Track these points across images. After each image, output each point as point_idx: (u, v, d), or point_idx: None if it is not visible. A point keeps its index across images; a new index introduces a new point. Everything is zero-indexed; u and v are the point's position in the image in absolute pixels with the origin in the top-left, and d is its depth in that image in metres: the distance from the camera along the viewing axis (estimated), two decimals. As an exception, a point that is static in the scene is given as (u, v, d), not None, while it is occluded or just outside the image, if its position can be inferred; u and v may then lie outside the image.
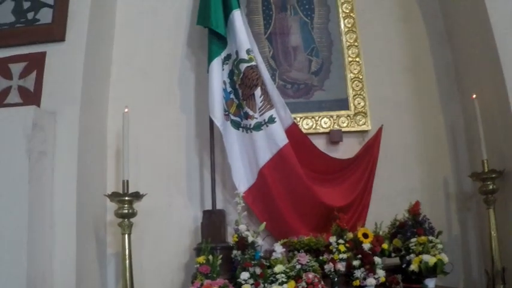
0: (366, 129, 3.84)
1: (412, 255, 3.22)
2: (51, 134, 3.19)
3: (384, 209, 3.61)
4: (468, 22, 3.84)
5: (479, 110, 3.51)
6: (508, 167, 3.38)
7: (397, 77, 4.05)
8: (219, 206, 3.61)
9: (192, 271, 3.17)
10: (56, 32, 3.40)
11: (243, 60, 3.56)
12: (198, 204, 3.75)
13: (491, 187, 3.40)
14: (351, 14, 4.05)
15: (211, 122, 3.57)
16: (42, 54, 3.36)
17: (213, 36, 3.65)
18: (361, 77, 3.92)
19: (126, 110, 3.35)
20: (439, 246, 3.23)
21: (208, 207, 3.59)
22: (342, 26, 4.03)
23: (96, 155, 3.57)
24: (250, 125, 3.51)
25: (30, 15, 3.48)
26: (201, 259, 3.02)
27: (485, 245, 3.53)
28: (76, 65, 3.35)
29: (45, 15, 3.46)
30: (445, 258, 3.18)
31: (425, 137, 3.96)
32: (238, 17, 3.64)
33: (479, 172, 3.47)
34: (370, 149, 3.67)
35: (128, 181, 3.25)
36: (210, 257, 3.03)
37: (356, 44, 3.99)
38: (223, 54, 3.67)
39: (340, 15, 4.05)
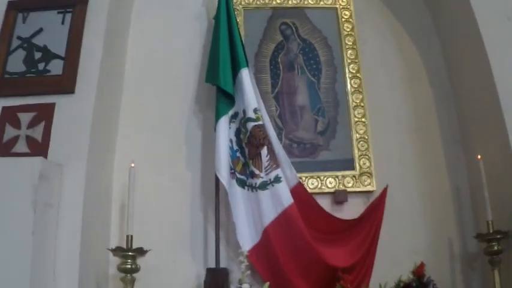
0: (371, 189, 3.83)
1: (417, 317, 3.18)
2: (57, 186, 3.16)
3: (388, 270, 3.54)
4: (473, 83, 3.88)
5: (484, 171, 3.50)
6: (514, 228, 3.37)
7: (402, 137, 4.06)
8: (222, 264, 3.56)
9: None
10: (65, 84, 3.41)
11: (250, 119, 3.59)
12: (201, 261, 3.69)
13: (496, 248, 3.37)
14: (358, 75, 4.09)
15: (217, 180, 3.57)
16: (52, 106, 3.36)
17: (221, 94, 3.68)
18: (366, 137, 3.93)
19: (132, 164, 3.36)
20: (444, 307, 3.20)
21: (212, 264, 3.54)
22: (349, 86, 4.06)
23: (101, 209, 3.55)
24: (255, 183, 3.51)
25: (41, 66, 3.50)
26: (204, 317, 2.98)
27: (491, 306, 3.48)
28: (85, 117, 3.35)
29: (56, 67, 3.48)
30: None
31: (431, 197, 3.94)
32: (246, 75, 3.69)
33: (484, 233, 3.45)
34: (375, 210, 3.63)
35: (132, 236, 3.24)
36: (213, 315, 3.00)
37: (362, 104, 4.01)
38: (231, 113, 3.69)
39: (347, 75, 4.09)
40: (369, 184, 3.84)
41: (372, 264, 3.56)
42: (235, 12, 4.03)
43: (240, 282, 3.20)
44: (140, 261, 3.27)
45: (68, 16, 3.61)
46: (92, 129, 3.34)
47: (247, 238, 3.49)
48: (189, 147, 3.94)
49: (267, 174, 3.51)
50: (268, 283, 3.22)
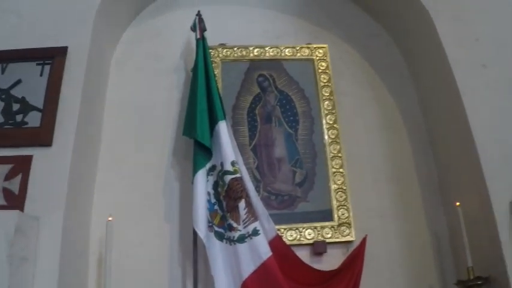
0: (350, 239, 3.82)
1: None
2: (34, 239, 3.12)
3: (369, 322, 3.55)
4: (450, 131, 3.95)
5: (463, 217, 3.53)
6: (494, 273, 3.38)
7: (380, 187, 4.09)
8: (202, 318, 3.52)
9: None
10: (43, 137, 3.39)
11: (228, 172, 3.58)
12: (181, 315, 3.65)
13: (477, 294, 3.38)
14: (335, 125, 4.12)
15: (195, 233, 3.53)
16: (29, 158, 3.33)
17: (198, 147, 3.68)
18: (344, 188, 3.94)
19: (110, 218, 3.33)
20: None
21: (191, 319, 3.50)
22: (326, 137, 4.09)
23: (78, 263, 3.49)
24: (234, 237, 3.48)
25: (19, 118, 3.48)
26: None
27: None
28: (62, 170, 3.32)
29: (33, 119, 3.47)
30: None
31: (410, 245, 3.94)
32: (223, 128, 3.70)
33: (465, 280, 3.47)
34: (355, 260, 3.60)
35: (113, 291, 3.20)
36: None
37: (340, 155, 4.04)
38: (208, 166, 3.68)
39: (324, 126, 4.12)
40: (348, 234, 3.83)
41: (353, 314, 3.55)
42: (213, 65, 4.07)
43: (220, 336, 3.16)
44: (118, 315, 3.24)
45: (47, 68, 3.62)
46: (69, 181, 3.32)
47: (226, 291, 3.47)
48: (167, 200, 3.91)
49: (245, 227, 3.48)
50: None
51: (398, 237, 3.97)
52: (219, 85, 4.05)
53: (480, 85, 3.74)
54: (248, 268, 3.42)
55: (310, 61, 4.34)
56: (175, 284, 3.72)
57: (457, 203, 3.60)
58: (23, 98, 3.53)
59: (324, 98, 4.21)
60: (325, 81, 4.26)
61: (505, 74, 3.80)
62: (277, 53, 4.33)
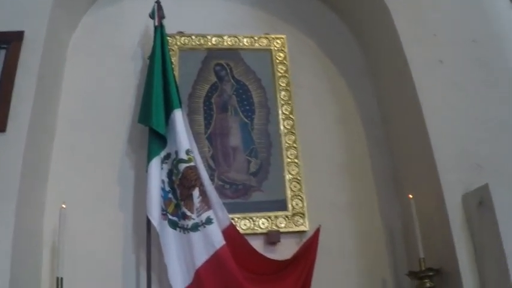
0: (304, 229, 3.84)
1: None
2: (-15, 230, 3.08)
3: (321, 311, 3.59)
4: (405, 124, 4.00)
5: (415, 210, 3.58)
6: (445, 264, 3.45)
7: (335, 178, 4.12)
8: (155, 306, 3.51)
9: None
10: (-5, 122, 3.34)
11: (182, 161, 3.58)
12: (134, 304, 3.62)
13: (428, 285, 3.43)
14: (291, 116, 4.14)
15: (149, 221, 3.51)
16: (-19, 144, 3.27)
17: (153, 135, 3.66)
18: (299, 178, 3.95)
19: (63, 205, 3.30)
20: None
21: (144, 306, 3.48)
22: (282, 127, 4.09)
23: (31, 252, 3.44)
24: (187, 225, 3.48)
25: (-31, 104, 3.41)
26: None
27: None
28: (15, 157, 3.28)
29: (-15, 105, 3.40)
30: None
31: (363, 236, 3.99)
32: (179, 116, 3.69)
33: (417, 271, 3.51)
34: (308, 250, 3.63)
35: (62, 278, 3.17)
36: None
37: (295, 145, 4.05)
38: (163, 154, 3.67)
39: (280, 116, 4.13)
40: (302, 224, 3.85)
41: (305, 304, 3.57)
42: (171, 53, 4.05)
43: (173, 324, 3.16)
44: (71, 304, 3.21)
45: (2, 52, 3.56)
46: (22, 168, 3.27)
47: (179, 280, 3.43)
48: (122, 188, 3.87)
49: (198, 216, 3.49)
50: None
51: (352, 228, 4.00)
52: (176, 73, 4.02)
53: (436, 81, 3.80)
54: (201, 257, 3.43)
55: (268, 51, 4.34)
56: (129, 272, 3.69)
57: (410, 196, 3.65)
58: (-23, 83, 3.47)
59: (280, 88, 4.21)
60: (282, 71, 4.27)
61: (461, 70, 3.86)
62: (235, 42, 4.32)
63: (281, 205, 3.89)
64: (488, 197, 3.24)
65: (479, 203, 3.32)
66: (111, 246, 3.72)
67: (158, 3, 4.06)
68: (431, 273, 3.45)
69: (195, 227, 3.48)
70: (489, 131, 3.66)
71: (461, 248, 3.35)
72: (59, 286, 3.15)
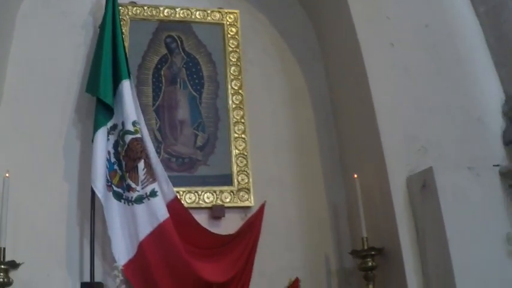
0: (249, 205, 3.87)
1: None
2: None
3: (265, 286, 3.65)
4: (353, 105, 4.06)
5: (360, 189, 3.64)
6: (387, 244, 3.52)
7: (282, 156, 4.16)
8: (98, 278, 3.49)
9: None
10: None
11: (129, 132, 3.55)
12: (77, 275, 3.56)
13: (370, 264, 3.51)
14: (240, 91, 4.14)
15: (93, 192, 3.49)
16: None
17: (100, 105, 3.62)
18: (246, 154, 3.98)
19: (6, 174, 3.26)
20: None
21: (87, 279, 3.45)
22: (230, 102, 4.10)
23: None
24: (132, 197, 3.47)
25: None
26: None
27: (365, 320, 3.61)
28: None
29: None
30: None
31: (308, 215, 4.05)
32: (127, 87, 3.65)
33: (359, 250, 3.58)
34: (252, 226, 3.67)
35: (4, 248, 3.14)
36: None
37: (243, 120, 4.07)
38: (110, 124, 3.64)
39: (229, 91, 4.13)
40: (247, 200, 3.88)
41: (248, 279, 3.59)
42: (122, 23, 3.98)
43: (115, 296, 3.15)
44: (13, 274, 3.19)
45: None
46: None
47: (122, 252, 3.43)
48: (67, 158, 3.81)
49: (143, 188, 3.48)
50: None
51: (297, 206, 4.06)
52: (126, 43, 3.97)
53: (386, 63, 3.84)
54: (145, 229, 3.43)
55: (220, 26, 4.32)
56: (73, 244, 3.65)
57: (355, 175, 3.71)
58: None
59: (231, 63, 4.21)
60: (233, 46, 4.27)
61: (412, 54, 3.92)
62: (188, 15, 4.29)
63: (227, 180, 3.91)
64: (432, 180, 3.31)
65: (423, 185, 3.39)
66: (55, 216, 3.67)
67: (111, -29, 3.99)
68: (373, 253, 3.52)
69: (140, 199, 3.47)
70: (436, 115, 3.74)
71: (403, 229, 3.42)
72: (1, 256, 3.11)
